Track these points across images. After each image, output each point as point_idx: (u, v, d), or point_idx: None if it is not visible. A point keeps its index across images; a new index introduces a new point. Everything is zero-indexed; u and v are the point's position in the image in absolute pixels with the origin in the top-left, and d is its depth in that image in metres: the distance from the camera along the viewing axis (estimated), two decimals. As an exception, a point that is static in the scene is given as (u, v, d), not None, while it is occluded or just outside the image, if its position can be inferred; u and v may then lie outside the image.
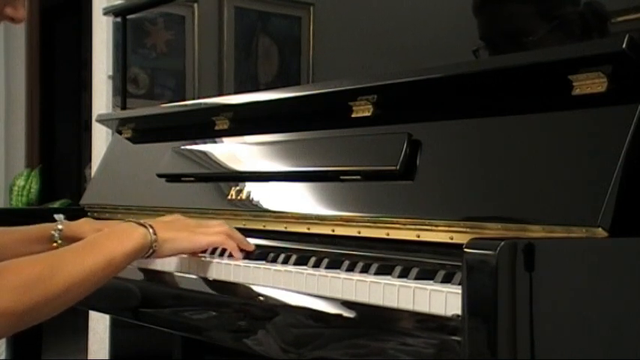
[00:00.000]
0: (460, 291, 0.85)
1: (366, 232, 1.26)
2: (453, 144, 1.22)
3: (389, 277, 1.09)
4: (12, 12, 1.27)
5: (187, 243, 1.30)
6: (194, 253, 1.35)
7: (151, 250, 1.25)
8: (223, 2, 1.84)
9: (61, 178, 5.85)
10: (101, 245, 1.21)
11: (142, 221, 1.28)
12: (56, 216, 1.54)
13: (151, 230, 1.25)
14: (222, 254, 1.37)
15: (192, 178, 1.68)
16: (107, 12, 2.22)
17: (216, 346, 1.78)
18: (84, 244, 1.24)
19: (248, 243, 1.36)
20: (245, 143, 1.62)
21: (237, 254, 1.32)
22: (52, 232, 1.48)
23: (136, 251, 1.23)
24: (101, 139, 2.91)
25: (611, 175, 0.98)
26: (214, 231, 1.33)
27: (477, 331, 0.83)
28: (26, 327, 1.13)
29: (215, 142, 1.69)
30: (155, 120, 1.93)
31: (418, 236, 1.18)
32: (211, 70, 1.90)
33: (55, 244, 1.46)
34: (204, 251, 1.37)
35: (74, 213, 1.94)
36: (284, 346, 1.11)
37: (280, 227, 1.41)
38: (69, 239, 1.45)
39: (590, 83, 1.05)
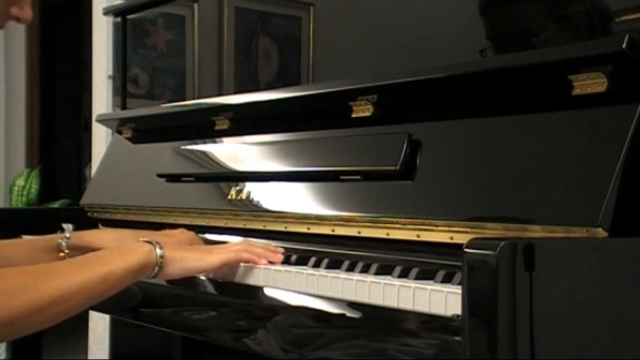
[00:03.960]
0: (460, 291, 0.85)
1: (366, 232, 1.26)
2: (453, 144, 1.22)
3: (389, 277, 1.09)
4: (18, 12, 1.26)
5: (198, 262, 1.23)
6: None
7: (157, 268, 1.19)
8: (223, 2, 1.84)
9: (61, 178, 5.85)
10: (100, 260, 1.16)
11: (150, 238, 1.22)
12: (64, 225, 1.49)
13: (157, 247, 1.19)
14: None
15: (192, 178, 1.68)
16: (107, 12, 2.22)
17: (216, 346, 1.78)
18: (83, 257, 1.18)
19: (275, 250, 1.29)
20: (245, 143, 1.62)
21: (260, 261, 1.24)
22: (60, 240, 1.42)
23: (139, 268, 1.17)
24: (101, 139, 2.91)
25: (611, 175, 0.98)
26: (230, 249, 1.26)
27: (477, 331, 0.83)
28: (11, 338, 1.06)
29: (215, 142, 1.69)
30: (155, 120, 1.93)
31: (418, 236, 1.18)
32: (211, 70, 1.90)
33: (62, 254, 1.41)
34: None
35: (74, 213, 1.95)
36: (284, 346, 1.11)
37: (280, 227, 1.41)
38: (77, 248, 1.39)
39: (590, 83, 1.05)
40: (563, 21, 1.22)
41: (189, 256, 1.23)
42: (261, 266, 1.24)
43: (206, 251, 1.27)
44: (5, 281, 1.05)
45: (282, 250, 1.30)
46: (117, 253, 1.18)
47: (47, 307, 1.07)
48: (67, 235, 1.43)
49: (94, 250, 1.37)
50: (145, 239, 1.22)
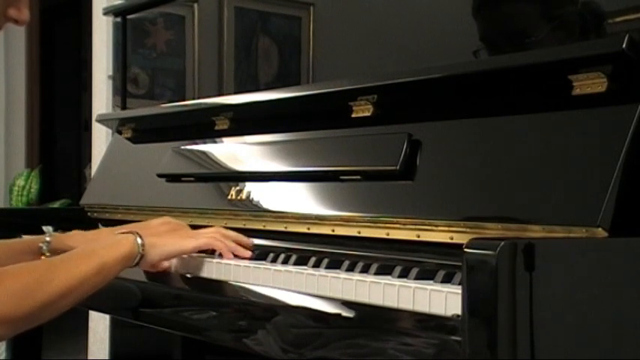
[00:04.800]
0: (460, 291, 0.85)
1: (366, 232, 1.26)
2: (453, 144, 1.22)
3: (389, 277, 1.09)
4: (15, 13, 1.27)
5: (174, 246, 1.32)
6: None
7: (139, 256, 1.26)
8: (223, 2, 1.84)
9: (61, 178, 5.85)
10: (93, 252, 1.23)
11: (128, 230, 1.29)
12: (45, 228, 1.54)
13: (138, 237, 1.27)
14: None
15: (192, 178, 1.68)
16: (107, 12, 2.22)
17: (216, 346, 1.78)
18: (78, 251, 1.26)
19: (246, 240, 1.37)
20: (245, 143, 1.62)
21: (228, 255, 1.33)
22: (40, 244, 1.46)
23: (126, 257, 1.25)
24: (101, 139, 2.91)
25: (611, 175, 0.98)
26: (203, 236, 1.35)
27: (476, 331, 0.83)
28: (22, 331, 1.14)
29: (215, 142, 1.69)
30: (155, 120, 1.93)
31: (418, 236, 1.18)
32: (211, 70, 1.90)
33: (42, 257, 1.45)
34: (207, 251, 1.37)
35: (74, 213, 1.95)
36: (284, 346, 1.11)
37: (280, 227, 1.41)
38: (57, 251, 1.42)
39: (590, 83, 1.05)
40: (563, 21, 1.22)
41: (166, 242, 1.32)
42: (261, 266, 1.24)
43: (181, 236, 1.35)
44: (21, 279, 1.12)
45: (251, 244, 1.38)
46: (106, 246, 1.26)
47: (57, 300, 1.15)
48: (48, 238, 1.47)
49: None
50: (125, 231, 1.30)
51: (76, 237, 1.49)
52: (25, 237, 1.51)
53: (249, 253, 1.35)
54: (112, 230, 1.47)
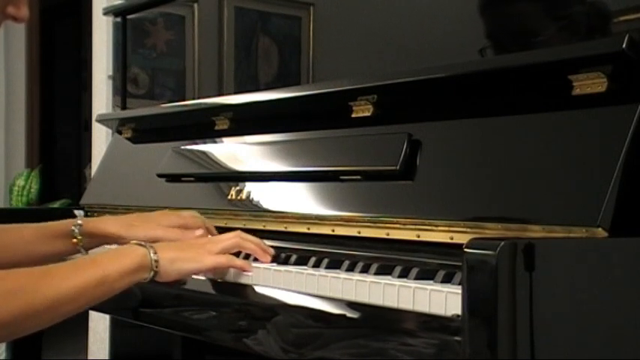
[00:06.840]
0: (460, 291, 0.85)
1: (366, 232, 1.26)
2: (453, 144, 1.22)
3: (389, 277, 1.09)
4: (14, 11, 1.26)
5: (193, 264, 1.23)
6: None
7: (152, 272, 1.19)
8: (223, 2, 1.84)
9: (61, 178, 5.85)
10: (96, 263, 1.16)
11: (143, 242, 1.21)
12: (76, 212, 1.51)
13: (151, 251, 1.19)
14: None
15: (192, 178, 1.68)
16: (107, 12, 2.22)
17: (216, 346, 1.78)
18: (78, 260, 1.20)
19: (266, 249, 1.30)
20: (245, 143, 1.62)
21: (248, 268, 1.25)
22: (72, 227, 1.43)
23: (134, 271, 1.17)
24: (101, 139, 2.91)
25: (611, 175, 0.98)
26: (222, 247, 1.26)
27: (476, 331, 0.83)
28: (7, 340, 1.09)
29: (215, 142, 1.69)
30: (155, 120, 1.93)
31: (418, 236, 1.18)
32: (211, 70, 1.90)
33: (75, 240, 1.42)
34: None
35: (74, 213, 1.94)
36: (284, 346, 1.11)
37: (280, 227, 1.41)
38: (89, 235, 1.42)
39: (590, 83, 1.05)
40: (563, 21, 1.22)
41: (182, 257, 1.23)
42: (261, 266, 1.24)
43: (199, 251, 1.26)
44: (4, 283, 1.06)
45: (272, 250, 1.31)
46: (111, 257, 1.19)
47: (45, 310, 1.08)
48: (79, 221, 1.44)
49: (105, 236, 1.42)
50: (138, 242, 1.22)
51: (109, 221, 1.46)
52: (57, 222, 1.48)
53: (269, 258, 1.29)
54: (140, 216, 1.43)
